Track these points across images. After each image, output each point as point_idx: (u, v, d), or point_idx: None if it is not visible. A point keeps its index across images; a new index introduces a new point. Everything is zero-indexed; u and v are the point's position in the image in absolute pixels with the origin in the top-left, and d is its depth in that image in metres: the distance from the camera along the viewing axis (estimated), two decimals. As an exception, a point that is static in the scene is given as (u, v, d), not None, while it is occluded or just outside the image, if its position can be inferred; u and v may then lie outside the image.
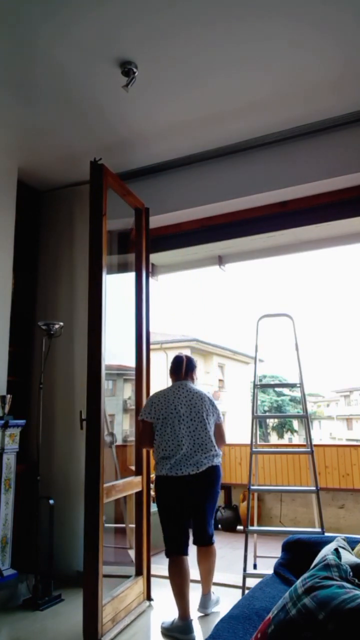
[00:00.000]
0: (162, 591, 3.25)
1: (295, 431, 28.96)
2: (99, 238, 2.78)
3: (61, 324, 3.38)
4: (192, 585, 2.72)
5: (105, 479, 2.63)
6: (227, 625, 1.53)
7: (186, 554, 2.71)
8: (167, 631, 2.64)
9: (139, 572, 3.07)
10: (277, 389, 28.49)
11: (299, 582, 1.23)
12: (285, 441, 27.94)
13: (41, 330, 3.35)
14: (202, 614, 2.87)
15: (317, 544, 1.92)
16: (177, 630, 2.59)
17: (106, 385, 2.77)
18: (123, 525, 4.17)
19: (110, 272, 3.04)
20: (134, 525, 3.21)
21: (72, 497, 3.47)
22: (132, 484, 3.09)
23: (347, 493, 5.13)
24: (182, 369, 3.00)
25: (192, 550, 2.80)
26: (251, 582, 2.80)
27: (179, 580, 2.65)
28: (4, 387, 3.33)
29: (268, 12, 2.30)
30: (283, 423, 28.87)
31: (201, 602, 2.92)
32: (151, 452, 3.01)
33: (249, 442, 3.46)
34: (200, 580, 2.94)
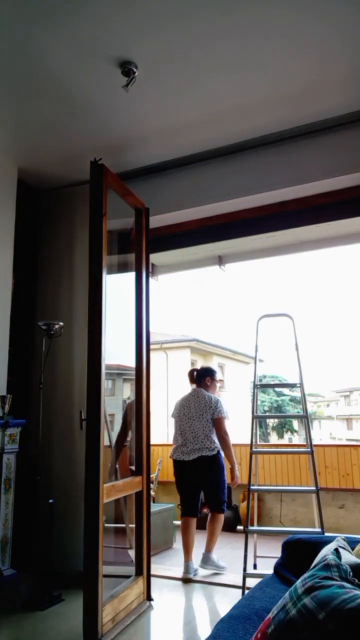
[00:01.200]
0: (162, 591, 3.25)
1: (295, 431, 28.94)
2: (99, 238, 2.78)
3: (61, 324, 3.38)
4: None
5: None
6: (227, 625, 1.53)
7: (191, 515, 3.66)
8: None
9: (139, 572, 3.07)
10: (277, 389, 28.48)
11: (299, 582, 1.23)
12: (285, 441, 27.92)
13: (41, 330, 3.35)
14: (202, 569, 3.55)
15: (317, 544, 1.91)
16: (182, 570, 3.56)
17: (106, 385, 2.77)
18: (123, 525, 4.17)
19: (110, 272, 3.04)
20: (134, 525, 3.21)
21: (72, 497, 3.47)
22: (132, 484, 3.09)
23: (347, 493, 5.13)
24: (193, 378, 3.94)
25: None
26: (251, 582, 2.80)
27: (183, 534, 3.65)
28: (4, 387, 3.33)
29: (267, 13, 2.30)
30: (283, 423, 28.86)
31: (202, 558, 3.60)
32: None
33: (248, 442, 3.46)
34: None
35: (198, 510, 3.72)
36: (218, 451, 3.64)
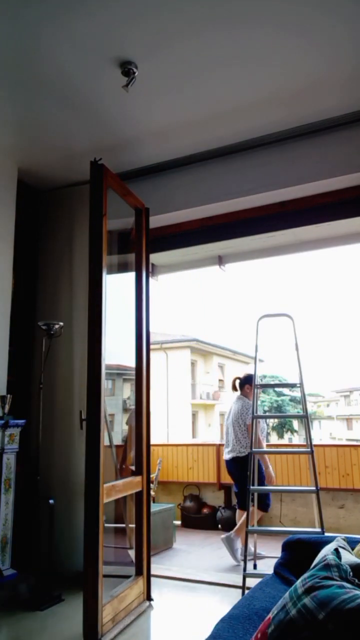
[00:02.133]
0: (162, 591, 3.25)
1: (295, 431, 28.95)
2: (99, 238, 2.78)
3: (61, 324, 3.38)
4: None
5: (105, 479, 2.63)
6: (227, 625, 1.53)
7: (240, 508, 4.13)
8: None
9: (139, 572, 3.07)
10: (277, 389, 28.47)
11: (299, 582, 1.22)
12: (285, 441, 27.93)
13: (41, 330, 3.35)
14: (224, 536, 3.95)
15: (317, 544, 1.91)
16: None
17: (106, 385, 2.77)
18: (123, 525, 4.17)
19: (110, 272, 3.04)
20: (134, 525, 3.21)
21: (72, 497, 3.47)
22: (132, 484, 3.09)
23: (347, 493, 5.13)
24: (235, 386, 4.30)
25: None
26: (251, 582, 2.80)
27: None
28: (4, 387, 3.33)
29: (267, 12, 2.30)
30: (283, 423, 28.86)
31: (227, 535, 3.96)
32: None
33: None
34: None
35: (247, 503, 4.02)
36: (249, 453, 3.84)
